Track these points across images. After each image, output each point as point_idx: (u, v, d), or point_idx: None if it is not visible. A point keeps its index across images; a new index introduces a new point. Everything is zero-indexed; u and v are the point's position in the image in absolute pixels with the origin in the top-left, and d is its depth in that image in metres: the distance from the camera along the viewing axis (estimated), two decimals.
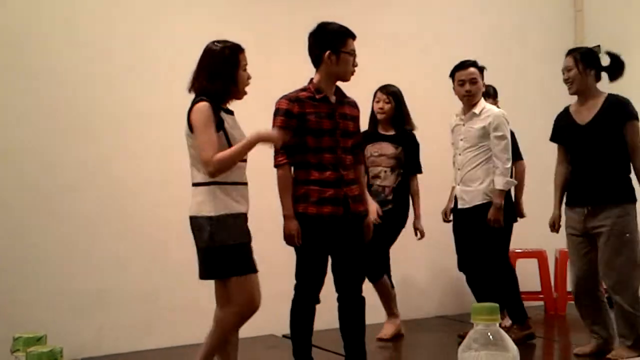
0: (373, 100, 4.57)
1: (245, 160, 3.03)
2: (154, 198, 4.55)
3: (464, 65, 4.37)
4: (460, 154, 4.38)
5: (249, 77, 3.04)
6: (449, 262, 5.04)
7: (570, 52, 3.90)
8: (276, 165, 3.26)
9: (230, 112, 3.07)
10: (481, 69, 4.42)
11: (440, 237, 4.84)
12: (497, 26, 6.01)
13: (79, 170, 4.37)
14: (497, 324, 1.06)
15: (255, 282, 2.97)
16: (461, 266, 4.51)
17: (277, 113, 3.20)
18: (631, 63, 6.02)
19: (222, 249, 2.89)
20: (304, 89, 3.26)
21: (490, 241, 4.26)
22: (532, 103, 5.81)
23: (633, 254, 3.66)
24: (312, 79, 3.28)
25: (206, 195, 2.90)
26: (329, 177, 3.19)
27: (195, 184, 2.96)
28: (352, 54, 3.23)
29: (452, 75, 4.43)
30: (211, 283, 4.79)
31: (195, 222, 2.93)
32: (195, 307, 4.54)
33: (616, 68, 3.85)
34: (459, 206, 4.40)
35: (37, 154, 4.27)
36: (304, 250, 3.25)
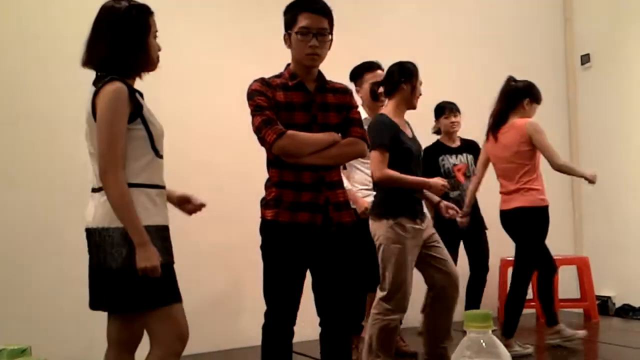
0: None
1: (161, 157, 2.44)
2: None
3: None
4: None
5: (159, 48, 2.45)
6: None
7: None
8: (280, 134, 2.56)
9: (140, 93, 2.45)
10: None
11: None
12: (486, 34, 6.03)
13: (72, 182, 4.33)
14: (490, 331, 1.04)
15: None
16: None
17: (252, 95, 2.64)
18: (619, 71, 6.09)
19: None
20: (278, 75, 2.74)
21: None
22: None
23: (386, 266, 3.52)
24: (289, 64, 2.77)
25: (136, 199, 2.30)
26: (305, 179, 2.63)
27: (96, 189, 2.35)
28: (305, 32, 2.62)
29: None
30: (208, 291, 4.77)
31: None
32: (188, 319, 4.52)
33: None
34: None
35: (30, 163, 4.24)
36: (274, 267, 2.68)
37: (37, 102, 4.25)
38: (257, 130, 2.61)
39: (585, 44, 6.39)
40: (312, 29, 2.61)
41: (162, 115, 4.15)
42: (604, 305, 5.83)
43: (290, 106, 2.63)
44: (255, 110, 2.61)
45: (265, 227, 2.69)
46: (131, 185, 2.27)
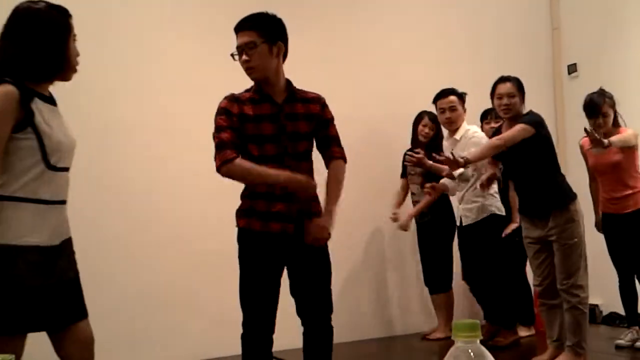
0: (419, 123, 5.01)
1: (59, 169, 2.24)
2: (138, 214, 4.43)
3: (443, 93, 4.74)
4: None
5: (77, 53, 2.31)
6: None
7: (510, 79, 4.02)
8: (225, 161, 2.61)
9: (51, 101, 2.30)
10: (460, 96, 4.76)
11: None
12: (474, 43, 6.05)
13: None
14: (478, 341, 1.04)
15: None
16: (466, 276, 4.95)
17: (217, 113, 2.71)
18: (606, 81, 6.11)
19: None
20: (248, 89, 2.79)
21: (496, 252, 4.65)
22: None
23: (580, 258, 3.83)
24: None
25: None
26: (277, 190, 2.68)
27: None
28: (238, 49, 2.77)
29: (434, 103, 4.80)
30: (190, 300, 4.73)
31: None
32: (174, 328, 4.49)
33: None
34: (464, 223, 4.72)
35: None
36: (248, 274, 2.71)
37: None
38: (214, 150, 2.67)
39: (572, 54, 6.43)
40: (238, 47, 2.80)
41: (147, 123, 4.10)
42: (592, 314, 5.80)
43: (259, 118, 2.69)
44: (215, 130, 2.68)
45: (240, 236, 2.75)
46: (10, 198, 2.13)
